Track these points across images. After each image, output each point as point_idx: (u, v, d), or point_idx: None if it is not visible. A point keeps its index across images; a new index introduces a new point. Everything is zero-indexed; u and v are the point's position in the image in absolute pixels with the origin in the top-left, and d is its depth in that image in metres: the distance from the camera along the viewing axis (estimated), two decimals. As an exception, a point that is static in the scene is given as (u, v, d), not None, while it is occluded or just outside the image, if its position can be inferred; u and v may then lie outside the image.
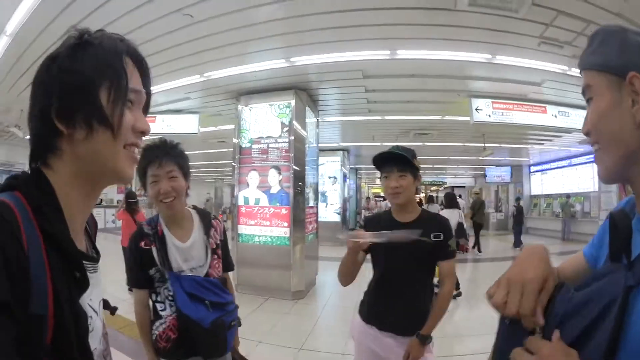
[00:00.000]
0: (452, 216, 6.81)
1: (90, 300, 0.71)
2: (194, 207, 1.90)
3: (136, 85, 0.72)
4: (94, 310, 0.73)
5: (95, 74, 0.65)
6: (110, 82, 0.66)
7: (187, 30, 4.55)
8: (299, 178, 6.57)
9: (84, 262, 0.69)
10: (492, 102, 6.95)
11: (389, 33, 4.62)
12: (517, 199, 14.86)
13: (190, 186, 1.80)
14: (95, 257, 0.78)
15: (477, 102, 6.93)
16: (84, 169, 0.68)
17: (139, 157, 0.77)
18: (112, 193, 18.46)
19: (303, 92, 6.72)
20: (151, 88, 0.78)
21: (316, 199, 8.17)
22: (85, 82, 0.65)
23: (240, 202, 6.70)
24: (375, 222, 2.11)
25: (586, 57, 0.73)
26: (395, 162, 1.96)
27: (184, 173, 1.72)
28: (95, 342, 0.71)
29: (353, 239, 1.73)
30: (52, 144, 0.66)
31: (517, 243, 12.40)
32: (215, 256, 1.84)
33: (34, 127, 0.67)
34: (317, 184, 8.39)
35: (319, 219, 8.34)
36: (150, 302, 1.76)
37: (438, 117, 8.31)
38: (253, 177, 6.62)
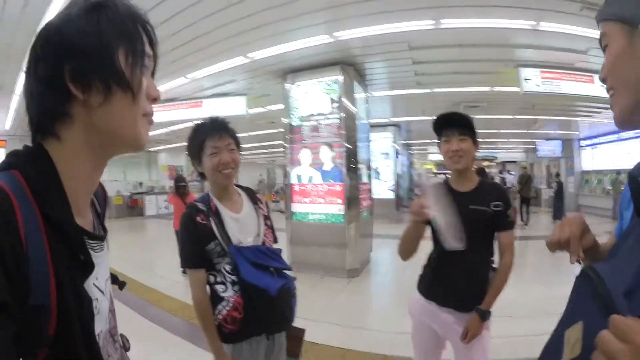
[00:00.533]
0: None
1: (96, 280, 0.68)
2: (236, 185, 1.90)
3: (148, 50, 0.70)
4: (100, 290, 0.71)
5: (112, 36, 0.63)
6: (127, 45, 0.65)
7: (226, 12, 4.51)
8: (351, 154, 6.49)
9: (90, 241, 0.67)
10: (541, 72, 6.56)
11: (432, 1, 4.44)
12: (557, 175, 14.78)
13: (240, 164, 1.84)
14: (101, 235, 0.75)
15: (525, 72, 6.56)
16: (97, 137, 0.65)
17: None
18: (164, 180, 19.30)
19: (350, 67, 6.56)
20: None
21: (369, 176, 8.06)
22: (103, 44, 0.62)
23: (294, 180, 6.73)
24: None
25: (603, 9, 0.76)
26: (456, 126, 1.91)
27: (238, 147, 1.79)
28: (101, 324, 0.69)
29: (418, 207, 1.58)
30: (63, 111, 0.62)
31: (556, 215, 12.84)
32: (266, 226, 1.85)
33: (39, 94, 0.62)
34: (369, 160, 8.26)
35: (373, 196, 8.21)
36: (208, 288, 1.70)
37: (487, 89, 7.96)
38: (305, 155, 6.62)
